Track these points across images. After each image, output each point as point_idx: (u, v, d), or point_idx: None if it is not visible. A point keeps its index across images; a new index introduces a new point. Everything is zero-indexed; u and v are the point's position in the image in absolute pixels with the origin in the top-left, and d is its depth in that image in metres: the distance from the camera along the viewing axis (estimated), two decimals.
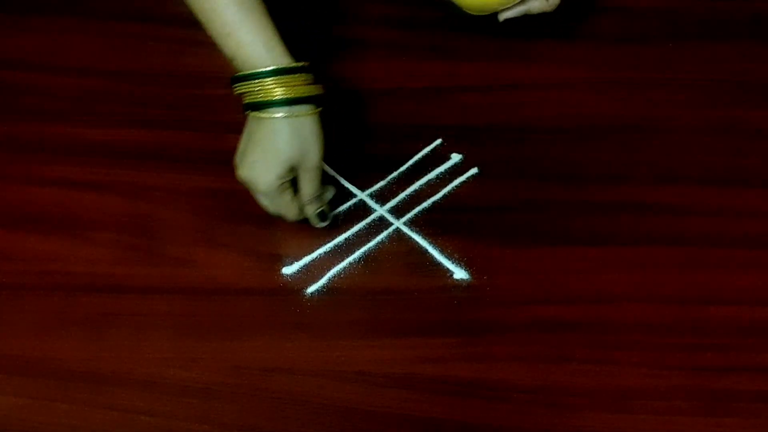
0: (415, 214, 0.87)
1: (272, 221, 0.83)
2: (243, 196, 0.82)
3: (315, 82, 0.80)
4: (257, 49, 0.77)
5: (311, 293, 0.82)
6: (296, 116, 0.77)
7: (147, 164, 0.89)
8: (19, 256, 0.84)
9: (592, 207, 0.87)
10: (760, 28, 1.01)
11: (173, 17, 0.98)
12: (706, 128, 0.93)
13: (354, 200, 0.88)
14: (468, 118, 0.94)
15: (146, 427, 0.75)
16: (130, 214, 0.86)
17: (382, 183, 0.89)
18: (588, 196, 0.88)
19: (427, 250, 0.84)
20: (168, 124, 0.92)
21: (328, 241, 0.85)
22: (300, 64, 0.79)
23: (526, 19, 0.93)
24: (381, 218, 0.87)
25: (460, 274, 0.83)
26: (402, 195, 0.88)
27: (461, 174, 0.89)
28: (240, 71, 0.79)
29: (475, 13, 0.94)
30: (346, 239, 0.85)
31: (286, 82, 0.77)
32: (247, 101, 0.78)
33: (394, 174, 0.89)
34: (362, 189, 0.88)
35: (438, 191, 0.88)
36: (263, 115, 0.77)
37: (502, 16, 0.93)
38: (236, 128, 0.81)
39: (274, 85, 0.77)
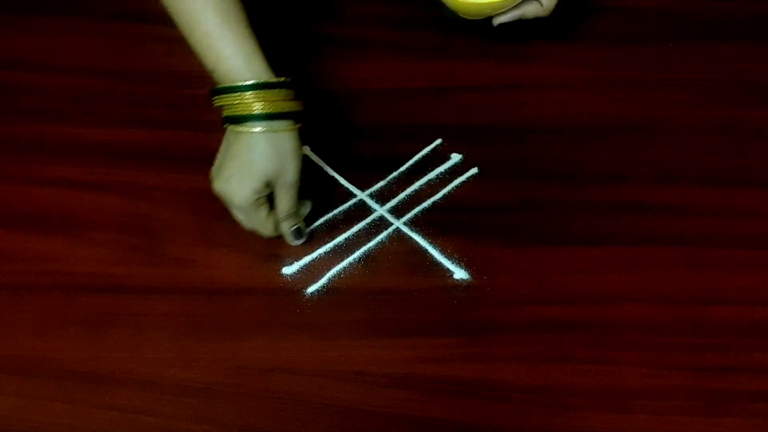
0: (415, 214, 0.87)
1: None
2: None
3: (295, 98, 0.79)
4: (237, 63, 0.77)
5: (311, 293, 0.82)
6: (275, 131, 0.77)
7: (147, 164, 0.89)
8: (19, 256, 0.84)
9: (592, 207, 0.87)
10: (760, 28, 1.01)
11: None
12: (706, 128, 0.93)
13: (354, 200, 0.88)
14: (468, 118, 0.94)
15: (146, 427, 0.75)
16: (130, 214, 0.86)
17: (382, 183, 0.89)
18: (588, 196, 0.88)
19: (427, 250, 0.84)
20: (168, 124, 0.92)
21: (328, 241, 0.85)
22: (280, 79, 0.78)
23: (522, 22, 0.93)
24: (381, 218, 0.87)
25: (460, 274, 0.83)
26: (402, 195, 0.88)
27: (461, 174, 0.89)
28: (220, 84, 0.78)
29: (469, 18, 0.94)
30: (346, 239, 0.85)
31: (266, 96, 0.77)
32: (225, 114, 0.78)
33: (394, 174, 0.89)
34: (362, 189, 0.88)
35: (438, 191, 0.88)
36: (241, 128, 0.77)
37: (497, 21, 0.93)
38: None
39: (253, 100, 0.76)
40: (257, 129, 0.77)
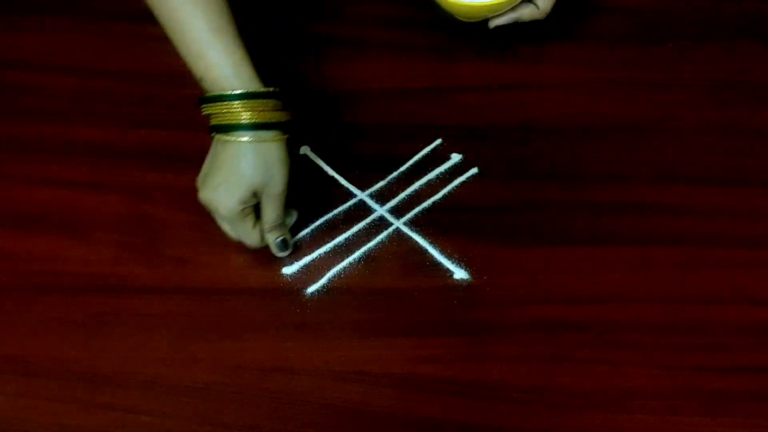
0: (415, 214, 0.87)
1: None
2: None
3: (284, 108, 0.79)
4: (226, 72, 0.77)
5: (311, 293, 0.82)
6: (262, 141, 0.77)
7: (147, 164, 0.89)
8: (19, 256, 0.84)
9: (592, 207, 0.87)
10: (760, 28, 1.01)
11: None
12: (706, 128, 0.93)
13: (354, 200, 0.88)
14: (468, 118, 0.94)
15: (146, 427, 0.75)
16: (130, 214, 0.86)
17: (382, 183, 0.89)
18: (588, 196, 0.88)
19: (427, 250, 0.84)
20: (168, 124, 0.92)
21: (328, 241, 0.85)
22: (269, 89, 0.78)
23: (519, 25, 0.93)
24: (381, 218, 0.87)
25: (460, 274, 0.83)
26: (402, 195, 0.88)
27: (461, 174, 0.89)
28: (208, 92, 0.78)
29: (465, 20, 0.94)
30: (346, 239, 0.85)
31: (254, 106, 0.76)
32: (213, 123, 0.78)
33: (394, 174, 0.89)
34: (362, 189, 0.88)
35: (438, 191, 0.88)
36: (229, 137, 0.77)
37: (493, 23, 0.93)
38: None
39: (241, 109, 0.76)
40: (245, 138, 0.76)
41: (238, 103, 0.76)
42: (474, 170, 0.90)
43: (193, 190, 0.85)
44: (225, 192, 0.78)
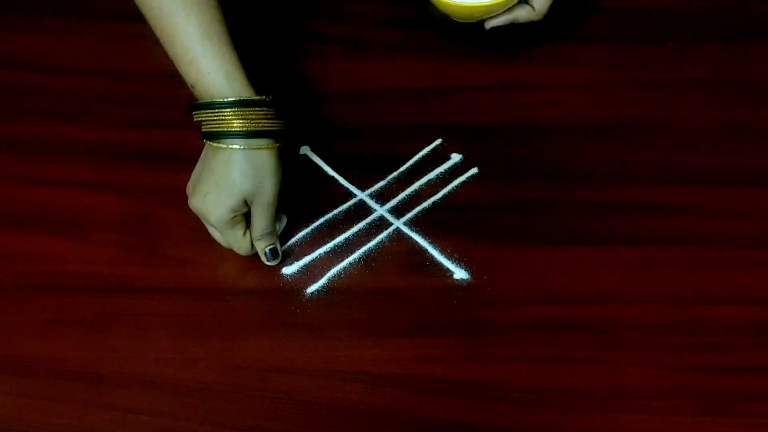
0: (415, 214, 0.87)
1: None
2: None
3: (276, 116, 0.79)
4: (218, 79, 0.76)
5: (311, 293, 0.82)
6: (253, 149, 0.76)
7: (147, 164, 0.89)
8: (19, 256, 0.84)
9: (592, 207, 0.87)
10: (760, 28, 1.01)
11: None
12: (706, 128, 0.93)
13: (354, 200, 0.88)
14: (468, 118, 0.94)
15: (146, 427, 0.75)
16: (130, 214, 0.86)
17: (382, 183, 0.89)
18: (588, 196, 0.88)
19: (427, 250, 0.84)
20: (168, 124, 0.92)
21: (328, 241, 0.85)
22: (261, 97, 0.77)
23: (516, 26, 0.93)
24: (381, 218, 0.87)
25: (460, 274, 0.83)
26: (402, 195, 0.88)
27: (461, 174, 0.89)
28: (200, 99, 0.78)
29: (461, 21, 0.94)
30: (346, 239, 0.85)
31: (245, 114, 0.76)
32: (205, 130, 0.78)
33: (394, 174, 0.89)
34: (362, 189, 0.88)
35: (438, 191, 0.88)
36: (220, 145, 0.76)
37: (489, 24, 0.93)
38: None
39: (232, 117, 0.76)
40: (236, 146, 0.76)
41: (229, 111, 0.76)
42: (474, 170, 0.90)
43: None
44: (215, 200, 0.78)
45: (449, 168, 0.90)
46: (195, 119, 0.78)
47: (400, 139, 0.92)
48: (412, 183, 0.89)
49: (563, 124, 0.93)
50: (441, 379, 0.77)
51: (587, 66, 0.98)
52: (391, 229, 0.86)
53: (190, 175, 0.81)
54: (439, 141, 0.92)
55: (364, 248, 0.84)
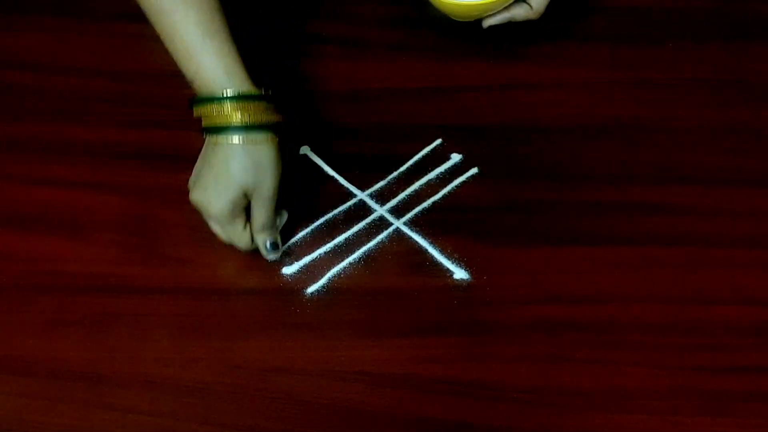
0: (415, 214, 0.87)
1: None
2: None
3: (275, 110, 0.79)
4: (217, 74, 0.77)
5: (311, 293, 0.82)
6: (253, 143, 0.77)
7: (147, 164, 0.89)
8: (19, 256, 0.84)
9: (592, 207, 0.87)
10: (760, 28, 1.01)
11: None
12: (706, 128, 0.93)
13: (354, 200, 0.88)
14: (468, 118, 0.94)
15: (146, 427, 0.75)
16: (130, 214, 0.86)
17: (382, 183, 0.89)
18: (588, 196, 0.88)
19: (427, 250, 0.84)
20: (168, 124, 0.92)
21: (328, 241, 0.85)
22: (260, 91, 0.78)
23: (514, 25, 0.93)
24: (381, 218, 0.87)
25: (460, 274, 0.83)
26: (402, 195, 0.88)
27: (461, 174, 0.89)
28: (199, 94, 0.78)
29: (459, 20, 0.94)
30: (346, 239, 0.85)
31: (245, 108, 0.76)
32: (205, 124, 0.78)
33: (394, 174, 0.89)
34: (362, 189, 0.88)
35: (438, 191, 0.88)
36: (220, 139, 0.77)
37: (486, 23, 0.93)
38: None
39: (232, 111, 0.76)
40: (236, 140, 0.76)
41: (229, 105, 0.76)
42: (474, 170, 0.90)
43: None
44: (215, 193, 0.78)
45: (449, 168, 0.90)
46: (195, 114, 0.78)
47: (400, 139, 0.92)
48: (412, 183, 0.89)
49: (563, 124, 0.93)
50: (441, 379, 0.77)
51: (587, 66, 0.98)
52: (391, 229, 0.86)
53: (190, 175, 0.81)
54: (439, 141, 0.92)
55: (364, 248, 0.84)
